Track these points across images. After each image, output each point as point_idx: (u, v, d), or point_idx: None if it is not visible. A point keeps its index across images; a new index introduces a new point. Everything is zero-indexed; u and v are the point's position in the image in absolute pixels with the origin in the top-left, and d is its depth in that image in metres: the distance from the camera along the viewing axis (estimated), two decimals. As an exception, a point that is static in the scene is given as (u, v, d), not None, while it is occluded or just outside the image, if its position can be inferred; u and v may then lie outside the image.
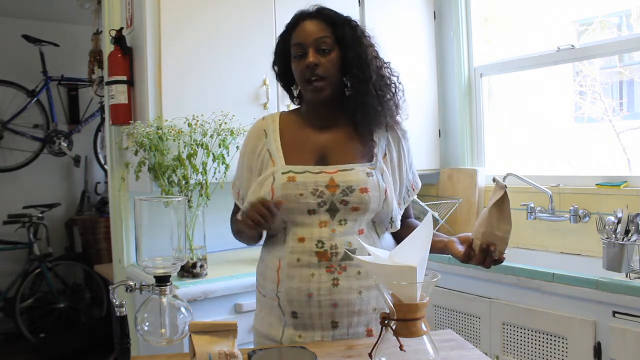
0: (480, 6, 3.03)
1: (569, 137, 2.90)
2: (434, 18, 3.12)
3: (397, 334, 0.93)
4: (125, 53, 2.40)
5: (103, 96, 3.27)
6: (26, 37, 4.49)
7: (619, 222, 2.07)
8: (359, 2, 2.84)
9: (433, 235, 1.43)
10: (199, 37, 2.34)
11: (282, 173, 1.38)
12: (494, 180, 1.35)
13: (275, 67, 1.52)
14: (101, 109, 4.46)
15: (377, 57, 1.45)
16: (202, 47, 2.35)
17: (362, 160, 1.43)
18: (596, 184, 2.43)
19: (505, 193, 1.27)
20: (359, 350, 1.21)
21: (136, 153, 2.18)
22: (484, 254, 1.26)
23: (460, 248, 1.33)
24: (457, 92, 3.05)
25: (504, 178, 2.58)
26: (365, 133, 1.44)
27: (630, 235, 2.03)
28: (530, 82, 2.96)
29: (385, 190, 1.40)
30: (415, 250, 1.00)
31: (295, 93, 1.51)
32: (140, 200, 1.09)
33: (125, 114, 2.40)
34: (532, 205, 2.57)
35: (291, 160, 1.41)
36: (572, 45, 2.57)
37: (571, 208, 2.44)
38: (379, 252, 1.04)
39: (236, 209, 1.54)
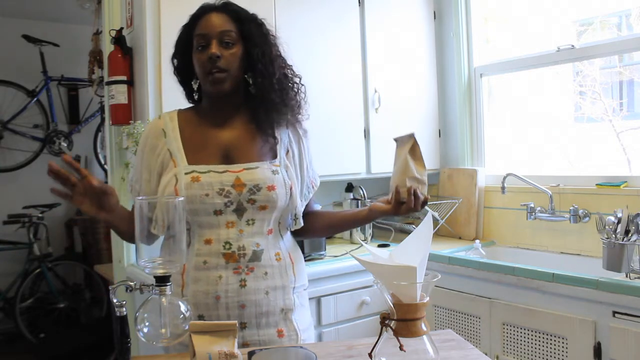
0: (480, 6, 3.03)
1: (569, 137, 2.90)
2: (434, 18, 3.12)
3: (397, 334, 0.93)
4: (125, 53, 2.40)
5: (103, 96, 3.27)
6: (26, 37, 4.49)
7: (619, 222, 2.07)
8: (359, 2, 2.84)
9: (351, 211, 1.59)
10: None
11: (185, 173, 1.35)
12: (395, 140, 1.53)
13: (174, 60, 1.48)
14: (101, 109, 4.47)
15: (280, 56, 1.45)
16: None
17: (266, 157, 1.42)
18: (596, 184, 2.43)
19: (415, 140, 1.46)
20: (359, 350, 1.21)
21: (136, 153, 2.18)
22: (414, 197, 1.39)
23: (386, 205, 1.44)
24: (457, 92, 3.05)
25: (504, 178, 2.59)
26: (267, 130, 1.43)
27: (630, 235, 2.03)
28: (530, 82, 2.96)
29: (291, 187, 1.40)
30: (415, 250, 1.00)
31: (195, 86, 1.46)
32: (140, 200, 1.09)
33: (125, 114, 2.40)
34: (532, 205, 2.57)
35: (193, 160, 1.38)
36: (572, 45, 2.57)
37: (571, 208, 2.44)
38: (379, 252, 1.04)
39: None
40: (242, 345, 1.34)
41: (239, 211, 1.35)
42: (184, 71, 1.47)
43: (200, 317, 1.34)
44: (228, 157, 1.40)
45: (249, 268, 1.34)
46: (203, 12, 1.41)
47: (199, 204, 1.33)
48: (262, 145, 1.43)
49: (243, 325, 1.34)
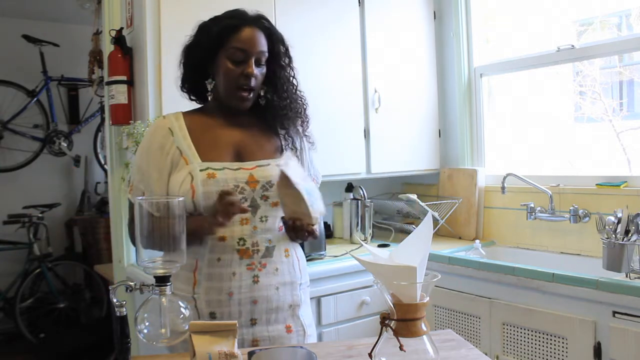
0: (480, 6, 3.03)
1: (569, 137, 2.90)
2: (434, 18, 3.12)
3: (397, 334, 0.93)
4: (125, 53, 2.40)
5: (103, 96, 3.27)
6: (26, 37, 4.49)
7: (619, 222, 2.07)
8: (359, 2, 2.84)
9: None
10: (199, 37, 2.34)
11: (200, 170, 1.37)
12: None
13: (185, 55, 1.49)
14: (101, 109, 4.46)
15: (295, 76, 1.52)
16: (202, 47, 2.35)
17: (275, 155, 1.47)
18: (596, 184, 2.43)
19: (283, 173, 1.33)
20: (359, 350, 1.21)
21: (136, 152, 2.18)
22: (294, 231, 1.37)
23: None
24: (457, 92, 3.05)
25: (504, 178, 2.59)
26: (275, 132, 1.50)
27: (630, 235, 2.03)
28: (530, 82, 2.96)
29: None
30: (415, 250, 1.00)
31: (209, 87, 1.46)
32: (140, 200, 1.09)
33: (125, 114, 2.40)
34: (532, 205, 2.57)
35: (206, 157, 1.40)
36: (572, 45, 2.57)
37: (571, 208, 2.44)
38: (379, 252, 1.04)
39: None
40: (252, 341, 1.36)
41: (253, 208, 1.38)
42: (197, 66, 1.47)
43: (212, 314, 1.35)
44: (239, 155, 1.43)
45: (261, 264, 1.37)
46: (240, 23, 1.41)
47: (215, 200, 1.34)
48: (271, 144, 1.48)
49: (253, 322, 1.37)
